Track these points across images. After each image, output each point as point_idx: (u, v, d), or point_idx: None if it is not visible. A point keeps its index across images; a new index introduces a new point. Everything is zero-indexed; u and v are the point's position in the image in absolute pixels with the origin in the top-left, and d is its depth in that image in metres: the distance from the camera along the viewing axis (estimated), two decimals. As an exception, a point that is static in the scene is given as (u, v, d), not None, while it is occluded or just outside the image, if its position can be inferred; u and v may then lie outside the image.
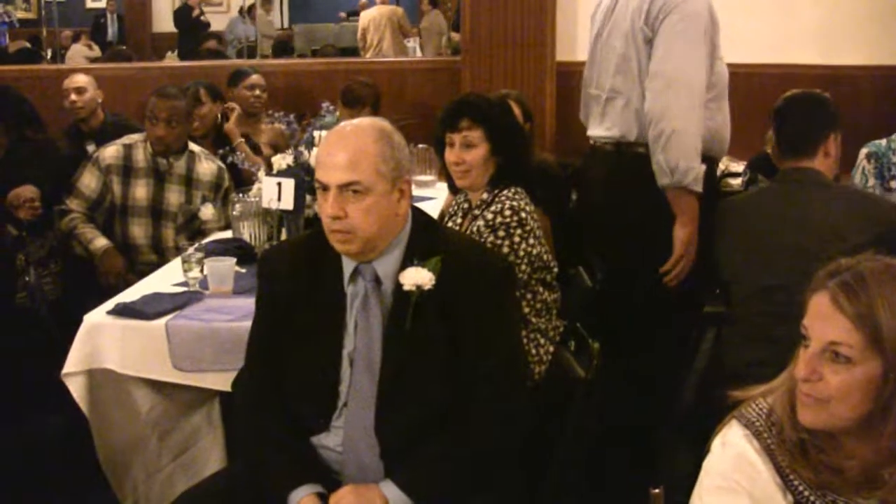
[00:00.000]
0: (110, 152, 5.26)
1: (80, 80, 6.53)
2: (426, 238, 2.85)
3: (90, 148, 6.06)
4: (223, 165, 5.40)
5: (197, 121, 6.07)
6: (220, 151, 5.21)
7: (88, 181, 5.23)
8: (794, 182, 3.75)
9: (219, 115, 6.38)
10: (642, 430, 4.31)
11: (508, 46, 6.88)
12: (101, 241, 5.13)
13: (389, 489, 2.68)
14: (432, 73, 7.82)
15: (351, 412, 2.79)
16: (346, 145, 2.73)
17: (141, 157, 5.25)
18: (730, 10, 6.15)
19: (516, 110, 4.80)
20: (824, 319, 2.00)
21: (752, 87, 6.80)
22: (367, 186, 2.70)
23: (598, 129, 4.41)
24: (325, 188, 2.72)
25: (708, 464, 2.18)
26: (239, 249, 4.36)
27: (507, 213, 3.63)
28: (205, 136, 6.18)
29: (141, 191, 5.24)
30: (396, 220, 2.81)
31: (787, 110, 3.87)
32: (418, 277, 2.74)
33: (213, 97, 6.40)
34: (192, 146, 5.38)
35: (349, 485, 2.73)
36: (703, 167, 4.02)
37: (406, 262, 2.79)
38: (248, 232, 4.51)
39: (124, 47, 11.73)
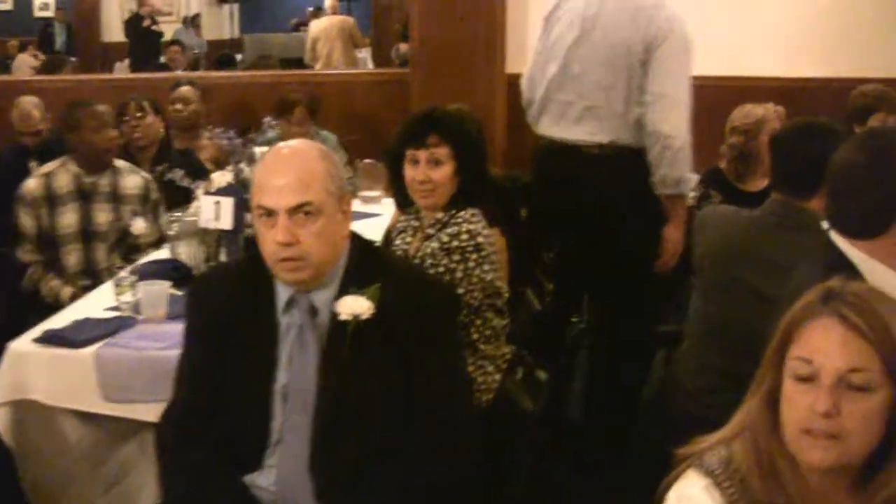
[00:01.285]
0: (31, 186, 5.06)
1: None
2: (365, 264, 2.71)
3: (33, 165, 5.90)
4: (149, 176, 5.26)
5: (140, 132, 5.94)
6: (158, 168, 5.05)
7: (25, 222, 5.04)
8: (783, 220, 3.46)
9: (161, 129, 6.20)
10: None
11: (458, 58, 6.76)
12: (66, 291, 4.94)
13: None
14: (380, 86, 7.70)
15: (284, 450, 2.64)
16: (291, 166, 2.59)
17: (63, 182, 5.06)
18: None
19: None
20: (836, 346, 1.82)
21: (706, 99, 6.73)
22: (318, 208, 2.56)
23: (576, 133, 4.66)
24: (271, 214, 2.56)
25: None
26: (175, 271, 4.20)
27: (464, 236, 3.48)
28: (145, 147, 6.00)
29: (69, 217, 5.06)
30: (342, 243, 2.68)
31: (788, 146, 3.53)
32: (356, 306, 2.59)
33: (156, 110, 6.23)
34: (116, 161, 5.20)
35: None
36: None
37: (343, 290, 2.64)
38: (185, 252, 4.33)
39: (63, 54, 11.54)
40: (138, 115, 5.96)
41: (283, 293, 2.67)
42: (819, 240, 3.31)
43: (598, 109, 4.61)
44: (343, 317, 2.60)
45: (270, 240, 2.56)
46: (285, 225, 2.53)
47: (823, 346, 1.84)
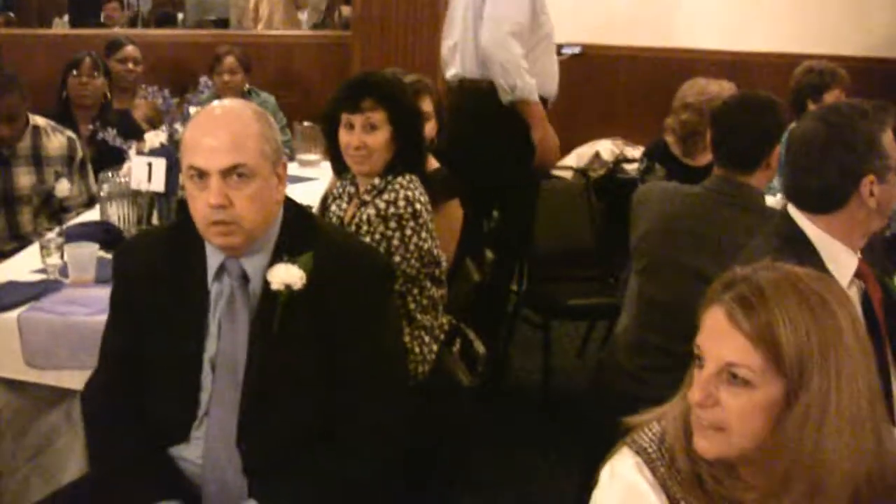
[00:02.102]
0: None
1: None
2: (298, 230, 2.61)
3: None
4: (73, 135, 5.09)
5: (89, 90, 5.79)
6: (91, 127, 4.91)
7: None
8: (724, 198, 3.42)
9: (106, 92, 6.04)
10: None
11: (399, 24, 6.67)
12: None
13: None
14: (320, 49, 7.60)
15: (212, 422, 2.55)
16: (224, 126, 2.49)
17: None
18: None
19: (428, 102, 4.52)
20: (720, 337, 1.79)
21: (652, 71, 6.71)
22: (252, 169, 2.46)
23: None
24: (203, 175, 2.45)
25: (596, 497, 1.96)
26: (105, 233, 4.07)
27: (402, 203, 3.41)
28: (89, 107, 5.85)
29: None
30: (275, 208, 2.58)
31: (731, 120, 3.49)
32: (287, 276, 2.50)
33: (103, 70, 6.07)
34: (36, 119, 5.03)
35: None
36: (534, 81, 4.99)
37: (276, 258, 2.55)
38: (117, 214, 4.21)
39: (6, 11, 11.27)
40: (93, 73, 5.82)
41: (213, 259, 2.58)
42: (760, 217, 3.29)
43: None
44: (274, 286, 2.51)
45: (202, 202, 2.46)
46: (218, 187, 2.43)
47: (710, 335, 1.82)
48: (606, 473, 1.95)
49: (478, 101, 5.18)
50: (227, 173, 2.44)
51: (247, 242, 2.52)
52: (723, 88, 4.64)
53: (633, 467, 1.90)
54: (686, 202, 3.51)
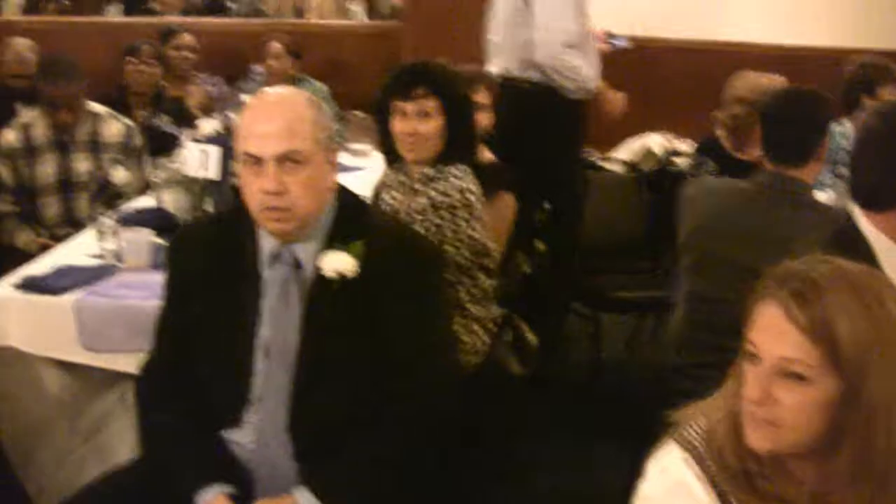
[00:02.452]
0: (8, 137, 4.99)
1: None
2: (350, 218, 2.64)
3: (18, 107, 5.78)
4: (131, 123, 5.17)
5: (145, 79, 5.92)
6: (144, 113, 4.97)
7: (3, 172, 4.98)
8: (775, 193, 3.38)
9: (160, 80, 6.11)
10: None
11: (450, 14, 6.68)
12: (34, 244, 4.88)
13: (304, 497, 2.48)
14: (371, 39, 7.63)
15: (264, 407, 2.58)
16: (278, 112, 2.51)
17: (40, 132, 4.99)
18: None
19: (485, 94, 4.55)
20: (775, 333, 1.78)
21: (702, 64, 6.68)
22: (306, 156, 2.48)
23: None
24: (257, 161, 2.48)
25: (643, 490, 1.96)
26: (159, 219, 4.13)
27: (454, 193, 3.42)
28: (143, 94, 5.91)
29: (47, 168, 4.99)
30: (328, 195, 2.61)
31: (781, 113, 3.47)
32: (339, 263, 2.53)
33: (160, 58, 6.14)
34: (96, 107, 5.10)
35: (260, 501, 2.53)
36: (592, 73, 5.25)
37: (328, 245, 2.58)
38: (170, 200, 4.26)
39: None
40: (150, 61, 5.88)
41: (267, 246, 2.61)
42: (811, 211, 3.28)
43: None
44: (327, 274, 2.54)
45: (256, 188, 2.49)
46: (272, 173, 2.46)
47: (765, 332, 1.80)
48: (654, 468, 1.95)
49: (519, 100, 5.22)
50: (281, 159, 2.47)
51: (300, 228, 2.54)
52: (773, 82, 4.61)
53: (681, 462, 1.89)
54: (736, 197, 3.50)
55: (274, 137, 2.47)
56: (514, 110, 5.11)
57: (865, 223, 2.66)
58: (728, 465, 1.85)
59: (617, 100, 5.45)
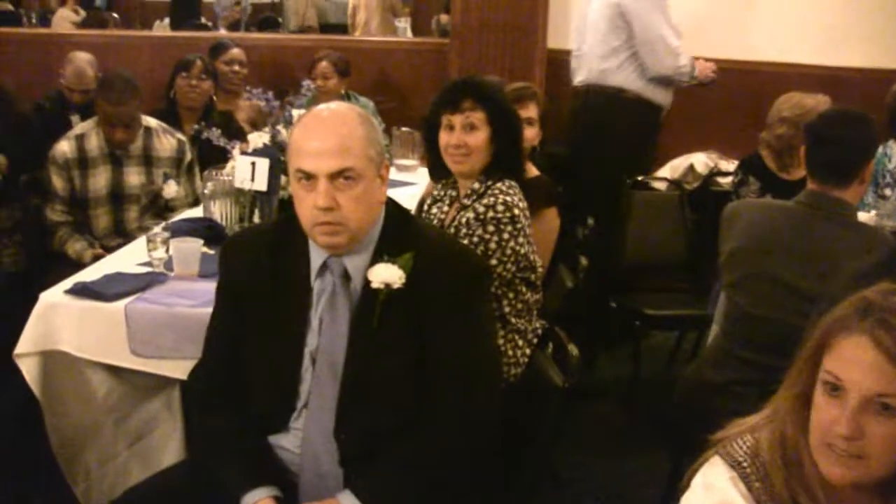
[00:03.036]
0: (63, 148, 5.04)
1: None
2: (399, 231, 2.68)
3: (74, 119, 5.88)
4: (183, 138, 5.24)
5: (197, 93, 5.97)
6: (196, 127, 5.04)
7: (57, 183, 5.03)
8: (820, 213, 3.42)
9: (212, 91, 6.18)
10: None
11: (499, 31, 6.73)
12: (88, 254, 4.92)
13: (349, 501, 2.52)
14: (418, 55, 7.67)
15: (311, 414, 2.63)
16: (331, 129, 2.56)
17: (94, 144, 5.05)
18: (728, 6, 6.01)
19: (534, 109, 4.61)
20: (866, 367, 1.75)
21: (745, 84, 6.67)
22: (359, 173, 2.53)
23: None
24: (311, 178, 2.54)
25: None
26: (208, 230, 4.19)
27: (500, 207, 3.45)
28: (194, 109, 5.98)
29: (100, 179, 5.06)
30: (377, 209, 2.66)
31: (827, 133, 3.48)
32: (387, 275, 2.57)
33: (211, 73, 6.20)
34: (149, 121, 5.18)
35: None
36: (689, 60, 5.88)
37: (376, 258, 2.62)
38: (219, 212, 4.33)
39: (104, 11, 11.50)
40: (202, 76, 5.95)
41: (316, 257, 2.65)
42: (856, 232, 3.29)
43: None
44: (375, 285, 2.58)
45: (309, 204, 2.54)
46: (326, 189, 2.51)
47: (853, 365, 1.77)
48: (700, 483, 1.95)
49: (602, 107, 5.92)
50: (334, 176, 2.51)
51: (350, 242, 2.59)
52: (818, 102, 4.63)
53: (728, 481, 1.89)
54: (780, 217, 3.52)
55: (326, 155, 2.52)
56: (594, 116, 5.95)
57: None
58: (775, 490, 1.85)
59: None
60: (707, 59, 6.02)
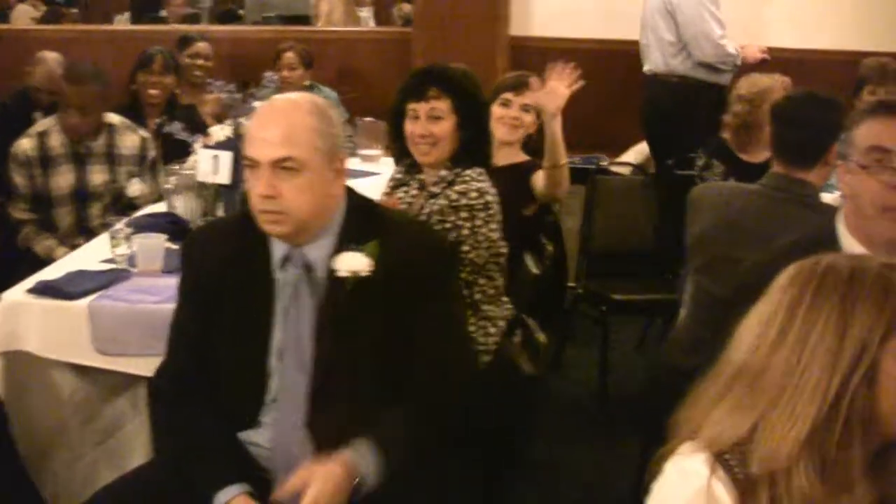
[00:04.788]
0: (25, 145, 4.94)
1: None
2: (362, 220, 2.66)
3: (37, 116, 5.81)
4: (146, 135, 5.18)
5: (158, 89, 5.90)
6: (158, 121, 5.00)
7: (19, 181, 4.95)
8: (784, 195, 3.42)
9: (175, 89, 6.12)
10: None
11: (462, 19, 6.72)
12: (60, 251, 4.84)
13: (361, 449, 2.49)
14: (382, 45, 7.65)
15: (280, 408, 2.61)
16: (278, 119, 2.56)
17: (57, 142, 4.96)
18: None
19: (531, 95, 4.60)
20: None
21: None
22: (302, 163, 2.52)
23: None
24: (256, 165, 2.54)
25: (661, 491, 1.89)
26: (171, 224, 4.15)
27: (474, 194, 3.46)
28: (157, 104, 5.93)
29: (63, 178, 4.98)
30: (331, 200, 2.63)
31: (792, 115, 3.50)
32: (354, 263, 2.56)
33: (173, 68, 6.15)
34: (112, 117, 5.12)
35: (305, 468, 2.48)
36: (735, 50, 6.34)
37: (340, 247, 2.60)
38: (182, 206, 4.29)
39: (62, 5, 11.39)
40: (164, 71, 5.90)
41: (278, 249, 2.64)
42: (820, 213, 3.29)
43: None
44: (341, 274, 2.56)
45: (255, 191, 2.55)
46: (267, 177, 2.51)
47: None
48: (673, 467, 1.89)
49: (666, 95, 6.42)
50: (276, 165, 2.51)
51: (298, 232, 2.58)
52: (775, 82, 4.66)
53: (704, 464, 1.82)
54: (746, 200, 3.52)
55: (271, 143, 2.52)
56: (661, 102, 6.40)
57: (843, 226, 2.68)
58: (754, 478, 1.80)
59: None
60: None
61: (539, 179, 4.19)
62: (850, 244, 2.66)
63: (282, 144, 2.51)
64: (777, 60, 6.14)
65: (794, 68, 5.39)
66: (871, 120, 2.68)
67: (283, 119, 2.56)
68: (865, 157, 2.63)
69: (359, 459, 2.47)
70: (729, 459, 1.83)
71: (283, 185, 2.52)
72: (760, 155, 4.56)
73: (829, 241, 2.68)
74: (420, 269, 2.61)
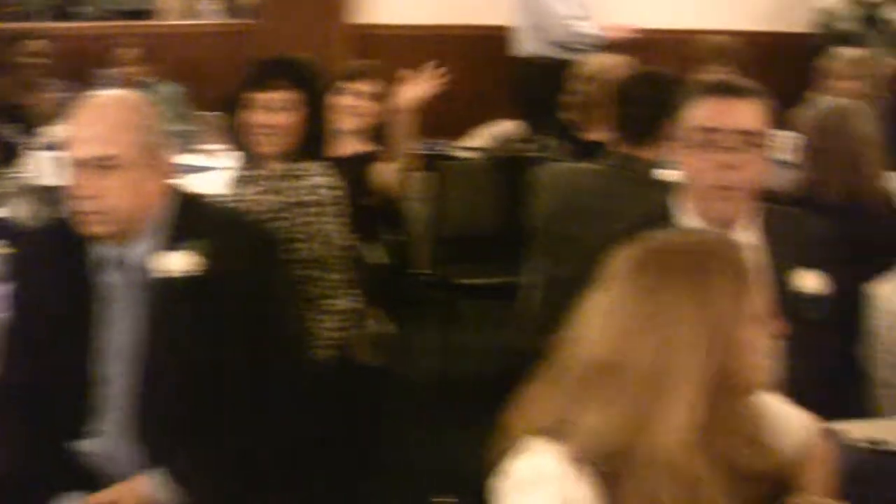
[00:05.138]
0: None
1: None
2: (189, 218, 2.60)
3: None
4: None
5: None
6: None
7: None
8: (624, 172, 3.49)
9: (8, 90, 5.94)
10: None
11: (303, 9, 6.66)
12: None
13: (151, 481, 2.46)
14: (225, 38, 7.55)
15: (110, 415, 2.54)
16: (94, 117, 2.51)
17: None
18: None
19: (372, 86, 4.62)
20: None
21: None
22: (120, 161, 2.47)
23: None
24: (74, 164, 2.48)
25: (508, 478, 1.81)
26: (2, 229, 4.01)
27: (318, 190, 3.44)
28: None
29: None
30: (153, 199, 2.57)
31: (631, 93, 3.59)
32: (178, 263, 2.50)
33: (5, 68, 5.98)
34: None
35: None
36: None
37: (166, 246, 2.53)
38: (14, 210, 4.16)
39: None
40: None
41: (99, 251, 2.57)
42: (656, 190, 3.32)
43: None
44: (166, 274, 2.50)
45: (73, 191, 2.50)
46: (84, 176, 2.46)
47: None
48: (525, 468, 1.80)
49: (532, 75, 6.56)
50: (91, 163, 2.46)
51: (119, 232, 2.52)
52: (613, 60, 4.71)
53: (551, 451, 1.77)
54: (585, 180, 3.56)
55: (88, 142, 2.48)
56: (526, 87, 6.53)
57: (681, 203, 2.71)
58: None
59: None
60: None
61: (380, 170, 4.17)
62: (688, 221, 2.69)
63: (98, 142, 2.46)
64: (636, 41, 6.25)
65: (631, 48, 5.44)
66: (704, 100, 2.71)
67: (100, 117, 2.51)
68: (698, 136, 2.65)
69: (159, 487, 2.45)
70: (592, 455, 1.75)
71: (101, 183, 2.45)
72: (599, 134, 4.60)
73: (666, 219, 2.70)
74: (246, 268, 2.57)
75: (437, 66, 4.58)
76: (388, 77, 4.66)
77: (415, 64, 4.64)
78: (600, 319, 1.83)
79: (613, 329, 1.80)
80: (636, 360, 1.76)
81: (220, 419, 2.53)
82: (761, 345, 1.81)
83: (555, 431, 1.80)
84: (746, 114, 2.64)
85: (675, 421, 1.73)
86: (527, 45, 6.72)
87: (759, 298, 1.81)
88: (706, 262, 1.80)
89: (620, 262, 1.86)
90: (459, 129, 6.50)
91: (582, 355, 1.83)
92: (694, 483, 1.73)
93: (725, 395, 1.78)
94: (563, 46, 6.47)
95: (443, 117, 6.06)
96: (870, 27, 6.79)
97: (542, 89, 6.05)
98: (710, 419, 1.75)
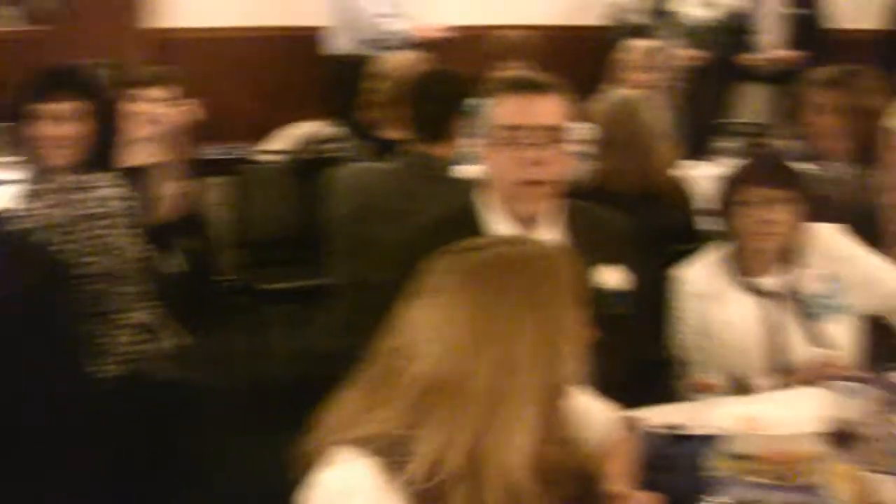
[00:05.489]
0: None
1: None
2: None
3: None
4: None
5: None
6: None
7: None
8: (418, 170, 3.53)
9: None
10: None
11: (96, 14, 6.52)
12: None
13: None
14: (19, 46, 7.30)
15: None
16: None
17: None
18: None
19: (173, 91, 4.54)
20: None
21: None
22: None
23: None
24: None
25: (315, 491, 1.78)
26: None
27: (112, 202, 3.36)
28: None
29: None
30: None
31: (422, 91, 3.66)
32: None
33: None
34: None
35: None
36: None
37: None
38: None
39: None
40: None
41: None
42: (450, 186, 3.37)
43: None
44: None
45: None
46: None
47: None
48: (334, 481, 1.76)
49: (342, 74, 6.25)
50: None
51: None
52: (407, 59, 4.74)
53: (362, 464, 1.73)
54: (380, 179, 3.59)
55: None
56: (340, 85, 6.16)
57: (485, 201, 2.74)
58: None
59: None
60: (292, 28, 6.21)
61: (175, 177, 4.11)
62: (494, 219, 2.71)
63: None
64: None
65: (449, 45, 5.49)
66: (505, 97, 2.74)
67: None
68: (501, 133, 2.68)
69: None
70: (420, 472, 1.71)
71: None
72: (395, 133, 4.63)
73: (470, 218, 2.72)
74: (33, 290, 2.51)
75: (242, 69, 4.56)
76: (188, 82, 4.61)
77: (218, 67, 4.59)
78: (430, 333, 1.77)
79: (447, 345, 1.74)
80: (474, 380, 1.71)
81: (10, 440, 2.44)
82: (583, 351, 1.81)
83: (370, 444, 1.75)
84: (548, 109, 2.68)
85: (517, 442, 1.71)
86: (338, 44, 6.68)
87: (584, 306, 1.82)
88: (541, 275, 1.78)
89: (446, 273, 1.80)
90: (269, 130, 6.45)
91: (414, 370, 1.76)
92: (525, 499, 1.72)
93: (555, 405, 1.79)
94: (374, 44, 6.38)
95: (252, 119, 6.03)
96: (658, 19, 6.99)
97: (352, 88, 6.10)
98: (544, 433, 1.74)
